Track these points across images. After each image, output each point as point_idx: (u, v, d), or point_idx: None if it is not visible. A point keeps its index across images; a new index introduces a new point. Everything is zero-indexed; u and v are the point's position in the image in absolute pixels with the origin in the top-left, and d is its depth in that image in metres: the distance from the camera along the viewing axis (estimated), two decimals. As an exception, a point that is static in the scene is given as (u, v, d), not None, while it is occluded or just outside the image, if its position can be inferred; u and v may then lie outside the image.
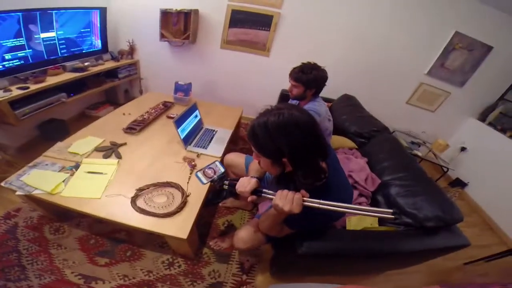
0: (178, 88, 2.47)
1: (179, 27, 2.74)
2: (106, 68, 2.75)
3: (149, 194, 1.36)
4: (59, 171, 1.47)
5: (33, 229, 1.60)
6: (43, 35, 2.13)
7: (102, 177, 1.46)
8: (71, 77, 2.34)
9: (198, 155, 1.74)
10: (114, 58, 2.96)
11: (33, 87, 2.03)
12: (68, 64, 2.42)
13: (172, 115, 2.24)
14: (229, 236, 1.70)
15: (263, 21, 2.56)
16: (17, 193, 1.26)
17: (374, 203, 1.47)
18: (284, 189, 0.75)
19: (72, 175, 1.45)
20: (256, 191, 0.87)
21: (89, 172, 1.48)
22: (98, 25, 2.66)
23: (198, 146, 1.81)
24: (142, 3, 2.79)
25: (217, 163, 1.01)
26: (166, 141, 1.87)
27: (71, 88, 2.40)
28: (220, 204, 1.92)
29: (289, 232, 0.98)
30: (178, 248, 1.51)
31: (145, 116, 2.16)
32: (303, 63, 1.54)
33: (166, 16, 2.69)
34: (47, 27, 2.15)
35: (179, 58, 3.10)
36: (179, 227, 1.19)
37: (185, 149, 1.78)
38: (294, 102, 1.74)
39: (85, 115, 3.07)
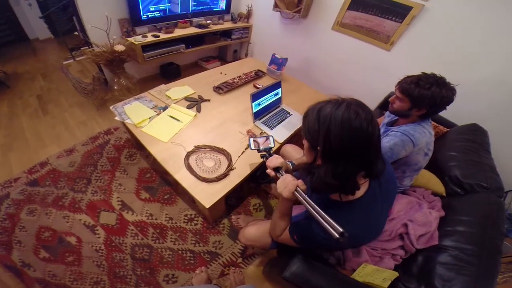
0: (273, 60, 2.43)
1: None
2: (224, 28, 3.02)
3: (202, 154, 1.46)
4: (152, 108, 1.77)
5: (116, 150, 2.05)
6: None
7: (177, 124, 1.67)
8: (193, 32, 2.70)
9: (261, 133, 1.71)
10: (233, 19, 3.19)
11: (163, 36, 2.47)
12: (195, 19, 2.80)
13: (258, 85, 2.27)
14: (250, 217, 1.70)
15: (396, 11, 2.05)
16: (116, 117, 1.61)
17: (409, 260, 1.19)
18: (304, 178, 0.80)
19: (158, 114, 1.72)
20: (277, 168, 0.99)
21: (170, 116, 1.72)
22: (226, -15, 2.86)
23: (265, 124, 1.78)
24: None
25: (271, 138, 1.20)
26: (242, 109, 1.92)
27: (191, 40, 2.78)
28: (262, 186, 1.89)
29: (288, 239, 0.91)
30: (202, 210, 1.59)
31: (235, 80, 2.27)
32: (424, 73, 1.13)
33: (283, -15, 2.59)
34: None
35: (287, 31, 2.99)
36: (208, 195, 1.24)
37: (253, 123, 1.78)
38: (391, 117, 1.39)
39: (198, 64, 3.59)
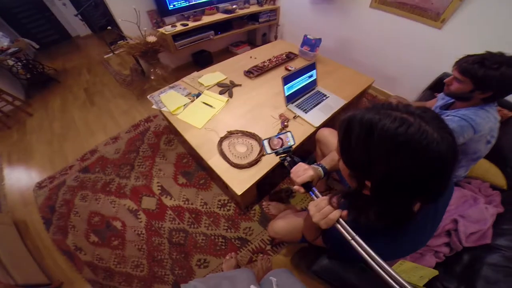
0: (306, 42, 2.30)
1: None
2: (250, 11, 2.94)
3: (234, 140, 1.47)
4: (186, 95, 1.81)
5: (156, 136, 2.16)
6: None
7: (211, 110, 1.69)
8: (221, 18, 2.67)
9: (295, 117, 1.66)
10: (259, 3, 3.08)
11: (191, 24, 2.48)
12: (221, 5, 2.76)
13: (290, 68, 2.18)
14: (282, 205, 1.67)
15: None
16: (153, 106, 1.68)
17: (454, 258, 1.09)
18: (347, 208, 0.59)
19: (192, 101, 1.76)
20: (307, 185, 0.74)
21: (204, 103, 1.74)
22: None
23: (299, 108, 1.71)
24: None
25: (289, 134, 0.89)
26: (274, 92, 1.87)
27: (220, 27, 2.77)
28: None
29: (322, 244, 0.82)
30: (235, 196, 1.60)
31: (265, 63, 2.21)
32: (488, 51, 0.99)
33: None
34: None
35: (319, 10, 2.79)
36: (240, 181, 1.25)
37: (286, 106, 1.73)
38: (445, 100, 1.25)
39: (228, 50, 3.59)
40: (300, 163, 0.82)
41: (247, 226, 1.60)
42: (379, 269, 0.47)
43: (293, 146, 0.88)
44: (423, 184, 0.44)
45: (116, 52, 3.78)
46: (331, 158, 0.94)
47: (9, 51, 2.79)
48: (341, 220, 0.57)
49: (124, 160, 2.02)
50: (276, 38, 3.50)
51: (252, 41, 3.70)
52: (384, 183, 0.47)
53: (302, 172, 0.76)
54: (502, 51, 0.97)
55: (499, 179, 1.31)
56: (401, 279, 0.44)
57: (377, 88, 2.75)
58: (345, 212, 0.58)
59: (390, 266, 0.50)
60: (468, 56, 1.03)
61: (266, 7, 3.07)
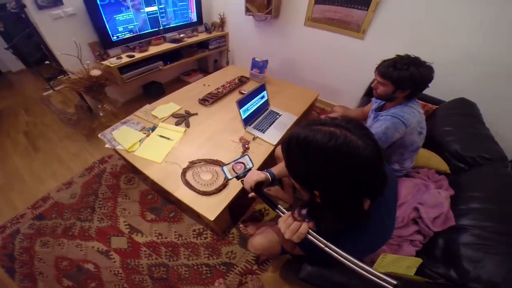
0: (254, 64, 2.45)
1: (263, 1, 2.61)
2: (199, 39, 3.00)
3: (198, 169, 1.47)
4: (140, 130, 1.77)
5: (114, 177, 2.06)
6: (147, 9, 2.47)
7: (168, 142, 1.67)
8: (168, 47, 2.68)
9: (254, 138, 1.73)
10: (207, 30, 3.18)
11: (138, 55, 2.44)
12: (167, 35, 2.77)
13: (243, 91, 2.28)
14: (258, 224, 1.71)
15: None
16: (106, 145, 1.60)
17: (430, 244, 1.17)
18: (308, 218, 0.63)
19: (147, 136, 1.72)
20: (258, 189, 0.81)
21: (160, 136, 1.72)
22: (193, -2, 2.85)
23: (257, 129, 1.80)
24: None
25: (247, 157, 0.98)
26: (231, 117, 1.93)
27: (168, 56, 2.76)
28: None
29: (301, 253, 0.89)
30: (209, 223, 1.60)
31: (219, 90, 2.27)
32: (398, 55, 1.17)
33: (251, -11, 2.61)
34: (150, 2, 2.46)
35: (262, 33, 3.03)
36: (210, 208, 1.26)
37: (244, 129, 1.80)
38: (378, 103, 1.43)
39: (180, 79, 3.57)
40: (252, 169, 0.91)
41: (229, 250, 1.60)
42: (355, 267, 0.53)
43: (253, 168, 0.95)
44: (360, 184, 0.52)
45: (56, 88, 3.51)
46: (281, 166, 0.99)
47: None
48: (310, 231, 0.61)
49: (82, 203, 1.88)
50: (228, 63, 3.61)
51: (204, 69, 3.73)
52: (328, 190, 0.55)
53: (255, 175, 0.86)
54: (411, 53, 1.16)
55: (441, 164, 1.49)
56: (376, 271, 0.50)
57: (323, 101, 3.02)
58: (311, 224, 0.62)
59: (373, 260, 0.57)
60: (384, 61, 1.20)
61: (214, 33, 3.18)
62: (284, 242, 0.94)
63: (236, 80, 2.47)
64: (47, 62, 2.24)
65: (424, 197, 1.28)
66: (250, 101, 1.84)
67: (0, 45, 4.08)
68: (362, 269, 0.52)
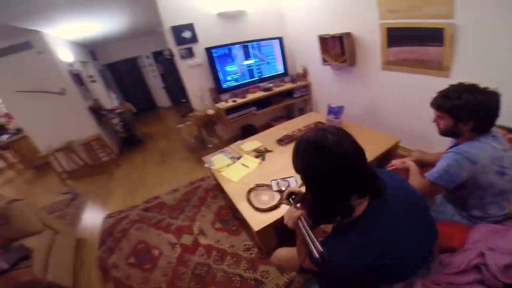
0: (330, 110, 2.68)
1: (337, 50, 2.85)
2: (285, 88, 3.56)
3: (260, 191, 1.86)
4: (230, 158, 2.38)
5: (205, 191, 2.70)
6: (245, 62, 3.35)
7: (246, 169, 2.18)
8: (261, 95, 3.40)
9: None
10: (292, 80, 3.70)
11: (239, 100, 3.25)
12: (261, 84, 3.52)
13: (316, 135, 2.60)
14: None
15: (430, 36, 1.99)
16: (205, 165, 2.29)
17: None
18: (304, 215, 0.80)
19: (234, 163, 2.30)
20: (291, 195, 0.99)
21: (242, 164, 2.26)
22: (279, 52, 3.57)
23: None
24: (305, 31, 3.27)
25: (293, 179, 1.31)
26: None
27: (261, 103, 3.47)
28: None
29: (311, 266, 0.89)
30: (255, 238, 1.80)
31: (295, 132, 2.66)
32: (451, 84, 1.10)
33: (324, 41, 2.93)
34: (247, 56, 3.30)
35: (341, 80, 3.20)
36: (258, 221, 1.57)
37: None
38: (453, 142, 1.30)
39: (270, 124, 4.13)
40: (289, 207, 0.97)
41: (265, 269, 1.70)
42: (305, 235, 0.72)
43: (293, 186, 1.21)
44: (340, 178, 0.63)
45: (186, 123, 4.86)
46: None
47: (117, 111, 3.98)
48: (302, 218, 0.78)
49: (177, 206, 2.58)
50: (311, 111, 3.88)
51: (290, 116, 4.07)
52: (313, 181, 0.68)
53: (293, 211, 0.89)
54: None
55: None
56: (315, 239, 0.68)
57: (406, 147, 2.70)
58: (304, 212, 0.80)
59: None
60: (438, 92, 1.14)
61: (298, 83, 3.64)
62: (297, 250, 0.98)
63: (312, 125, 2.77)
64: (183, 100, 3.36)
65: (499, 241, 1.02)
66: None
67: (159, 85, 5.99)
68: (306, 233, 0.71)
